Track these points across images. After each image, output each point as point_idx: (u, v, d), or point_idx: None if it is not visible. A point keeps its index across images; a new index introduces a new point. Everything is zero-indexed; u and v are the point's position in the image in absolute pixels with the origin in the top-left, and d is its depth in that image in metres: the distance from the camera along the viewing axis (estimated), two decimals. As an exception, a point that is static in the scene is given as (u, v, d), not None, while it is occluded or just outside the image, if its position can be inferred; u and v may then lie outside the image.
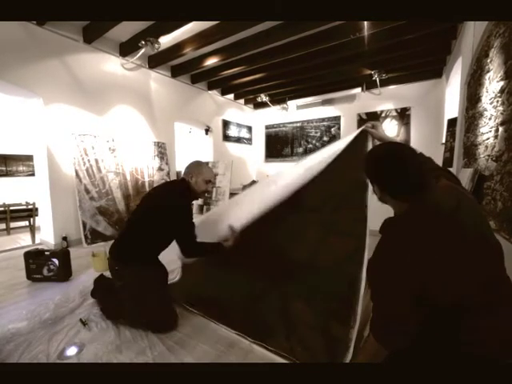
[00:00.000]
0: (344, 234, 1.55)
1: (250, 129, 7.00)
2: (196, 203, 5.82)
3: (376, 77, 4.60)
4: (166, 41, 3.63)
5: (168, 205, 1.62)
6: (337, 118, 5.90)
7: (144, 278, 1.60)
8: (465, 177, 2.26)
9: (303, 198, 1.68)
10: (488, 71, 1.96)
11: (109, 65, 3.80)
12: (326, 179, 1.61)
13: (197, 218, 1.86)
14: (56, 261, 2.26)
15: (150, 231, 1.63)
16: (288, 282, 1.65)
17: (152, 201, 1.75)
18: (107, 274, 1.86)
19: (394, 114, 5.21)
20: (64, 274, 2.29)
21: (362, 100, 5.56)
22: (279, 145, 6.79)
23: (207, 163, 2.10)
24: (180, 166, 5.47)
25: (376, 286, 0.88)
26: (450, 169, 3.22)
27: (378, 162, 0.89)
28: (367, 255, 1.32)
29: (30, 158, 4.72)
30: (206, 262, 2.01)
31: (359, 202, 1.52)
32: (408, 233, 0.82)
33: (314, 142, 6.26)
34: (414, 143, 5.04)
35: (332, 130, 5.98)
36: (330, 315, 1.43)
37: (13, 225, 4.00)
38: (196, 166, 1.75)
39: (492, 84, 1.86)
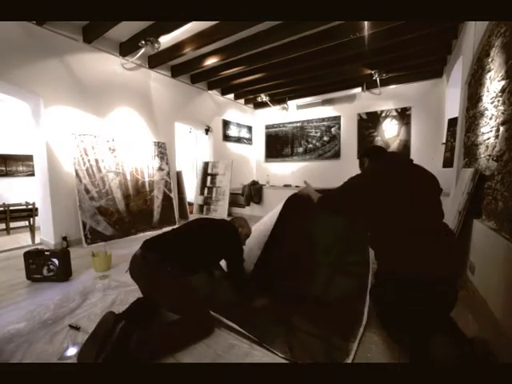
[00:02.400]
0: (349, 274, 1.89)
1: (250, 129, 7.00)
2: (197, 203, 5.83)
3: (376, 77, 4.60)
4: (166, 41, 3.63)
5: (231, 234, 1.81)
6: (337, 118, 5.89)
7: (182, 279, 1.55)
8: (465, 177, 2.26)
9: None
10: (489, 71, 1.96)
11: (109, 65, 3.80)
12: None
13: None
14: (56, 261, 2.26)
15: (208, 249, 1.70)
16: (295, 307, 1.77)
17: (212, 230, 1.80)
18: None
19: (395, 113, 5.20)
20: (64, 273, 2.28)
21: (362, 100, 5.56)
22: (279, 145, 6.79)
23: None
24: (180, 166, 5.48)
25: (344, 184, 1.57)
26: (451, 169, 3.22)
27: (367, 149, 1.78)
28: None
29: (29, 157, 4.71)
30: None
31: (362, 248, 2.01)
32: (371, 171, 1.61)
33: (314, 141, 6.26)
34: (415, 143, 5.05)
35: (332, 129, 5.98)
36: (332, 329, 1.53)
37: (13, 225, 4.00)
38: (243, 220, 1.99)
39: (493, 83, 1.86)
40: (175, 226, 4.47)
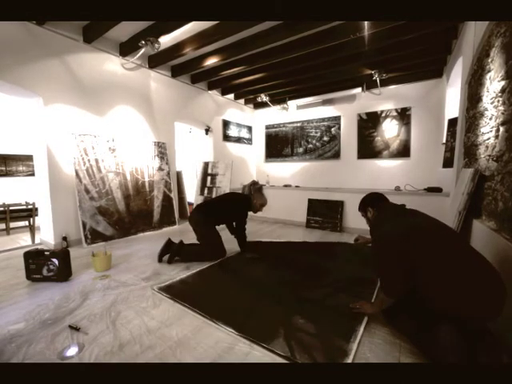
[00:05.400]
0: (352, 294, 1.99)
1: (250, 129, 6.99)
2: (196, 203, 5.82)
3: (376, 77, 4.60)
4: (166, 41, 3.63)
5: (240, 205, 2.99)
6: (337, 118, 5.89)
7: (211, 226, 2.89)
8: (465, 177, 2.26)
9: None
10: (489, 71, 1.96)
11: (109, 64, 3.80)
12: None
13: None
14: (56, 261, 2.26)
15: (224, 211, 2.94)
16: (296, 308, 1.81)
17: (230, 198, 3.10)
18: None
19: (395, 113, 5.20)
20: (64, 274, 2.28)
21: (363, 100, 5.56)
22: (279, 145, 6.78)
23: (261, 187, 3.07)
24: (180, 166, 5.47)
25: (380, 264, 1.49)
26: (451, 169, 3.23)
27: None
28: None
29: (29, 157, 4.71)
30: (223, 270, 2.55)
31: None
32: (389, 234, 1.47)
33: (314, 141, 6.26)
34: (415, 143, 5.05)
35: (332, 129, 5.98)
36: (331, 330, 1.55)
37: (13, 225, 4.00)
38: (260, 194, 3.08)
39: (493, 84, 1.86)
40: (175, 226, 4.48)
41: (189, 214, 2.93)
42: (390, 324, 1.56)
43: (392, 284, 1.42)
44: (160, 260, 2.72)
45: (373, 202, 1.79)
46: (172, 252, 2.74)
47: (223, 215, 2.95)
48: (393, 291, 1.44)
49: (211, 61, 4.10)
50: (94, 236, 3.48)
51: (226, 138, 6.17)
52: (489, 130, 1.92)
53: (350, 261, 2.73)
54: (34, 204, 3.94)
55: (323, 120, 6.07)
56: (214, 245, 2.84)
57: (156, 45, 3.42)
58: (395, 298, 1.47)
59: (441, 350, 1.19)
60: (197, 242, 2.94)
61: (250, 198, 3.03)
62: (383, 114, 5.31)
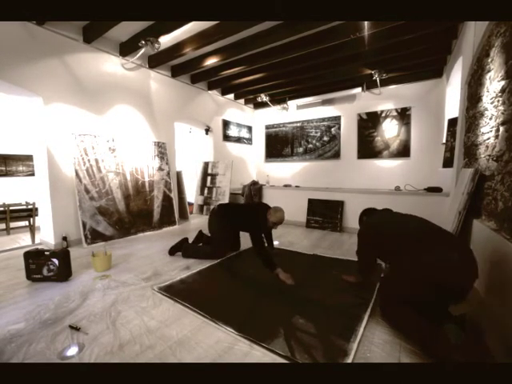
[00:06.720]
0: (352, 294, 2.02)
1: (250, 129, 6.99)
2: (197, 203, 5.83)
3: (376, 77, 4.60)
4: (166, 41, 3.63)
5: (256, 216, 2.70)
6: (337, 118, 5.89)
7: (226, 224, 2.89)
8: (465, 177, 2.25)
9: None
10: (489, 71, 1.96)
11: (109, 65, 3.80)
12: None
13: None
14: (56, 261, 2.26)
15: (240, 218, 2.85)
16: (296, 308, 1.81)
17: (249, 209, 3.02)
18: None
19: (395, 113, 5.20)
20: (64, 274, 2.29)
21: (363, 100, 5.56)
22: (279, 145, 6.78)
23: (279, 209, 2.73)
24: (180, 166, 5.47)
25: (358, 249, 2.11)
26: (451, 169, 3.23)
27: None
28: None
29: (29, 157, 4.71)
30: (225, 269, 2.60)
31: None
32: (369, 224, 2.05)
33: (314, 141, 6.26)
34: (415, 143, 5.05)
35: (332, 129, 5.98)
36: (331, 330, 1.55)
37: (13, 225, 4.00)
38: (275, 210, 2.67)
39: (493, 84, 1.86)
40: (175, 226, 4.48)
41: (211, 208, 3.31)
42: (385, 316, 1.67)
43: (361, 268, 2.14)
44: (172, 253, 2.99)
45: (366, 213, 2.27)
46: (175, 246, 2.99)
47: (237, 221, 2.89)
48: (361, 272, 2.16)
49: (211, 61, 4.10)
50: (94, 236, 3.48)
51: (226, 137, 6.17)
52: (489, 130, 1.92)
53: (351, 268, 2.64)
54: (34, 204, 3.93)
55: (323, 120, 6.07)
56: (221, 242, 2.93)
57: (156, 45, 3.41)
58: (363, 277, 2.16)
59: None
60: (196, 240, 3.16)
61: (265, 213, 2.69)
62: (383, 114, 5.31)
